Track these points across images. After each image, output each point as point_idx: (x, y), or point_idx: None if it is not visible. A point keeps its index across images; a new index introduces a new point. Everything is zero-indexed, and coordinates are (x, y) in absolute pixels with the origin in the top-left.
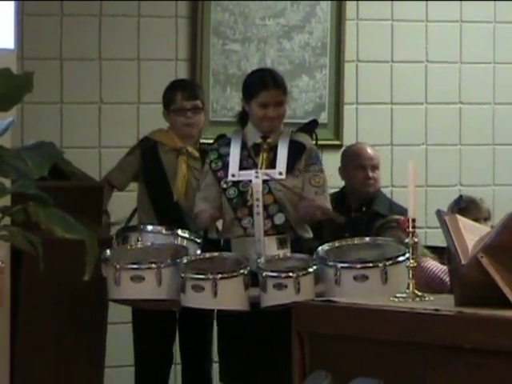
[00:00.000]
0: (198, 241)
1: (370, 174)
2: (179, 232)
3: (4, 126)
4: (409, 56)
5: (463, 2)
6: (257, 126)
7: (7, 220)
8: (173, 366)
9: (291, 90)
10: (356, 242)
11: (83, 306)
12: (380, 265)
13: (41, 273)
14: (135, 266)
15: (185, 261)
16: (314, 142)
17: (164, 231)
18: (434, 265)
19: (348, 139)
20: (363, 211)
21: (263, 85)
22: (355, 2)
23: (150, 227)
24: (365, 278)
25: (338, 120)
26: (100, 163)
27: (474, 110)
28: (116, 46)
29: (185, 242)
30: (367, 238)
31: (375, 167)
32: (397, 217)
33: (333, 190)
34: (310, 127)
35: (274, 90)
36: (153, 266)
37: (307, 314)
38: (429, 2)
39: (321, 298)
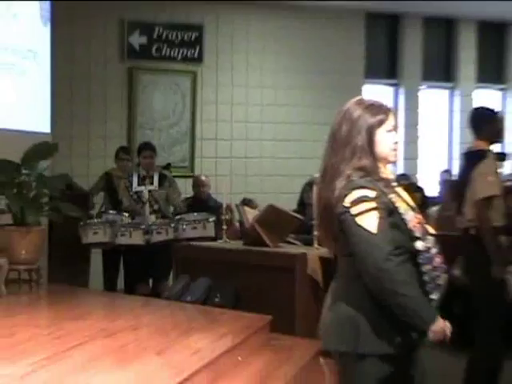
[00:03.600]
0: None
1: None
2: (124, 213)
3: None
4: None
5: None
6: None
7: None
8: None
9: None
10: None
11: None
12: None
13: None
14: (95, 228)
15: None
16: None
17: (115, 212)
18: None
19: None
20: None
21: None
22: None
23: (111, 211)
24: None
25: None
26: None
27: None
28: None
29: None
30: None
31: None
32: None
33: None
34: (167, 167)
35: (148, 151)
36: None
37: (184, 249)
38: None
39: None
